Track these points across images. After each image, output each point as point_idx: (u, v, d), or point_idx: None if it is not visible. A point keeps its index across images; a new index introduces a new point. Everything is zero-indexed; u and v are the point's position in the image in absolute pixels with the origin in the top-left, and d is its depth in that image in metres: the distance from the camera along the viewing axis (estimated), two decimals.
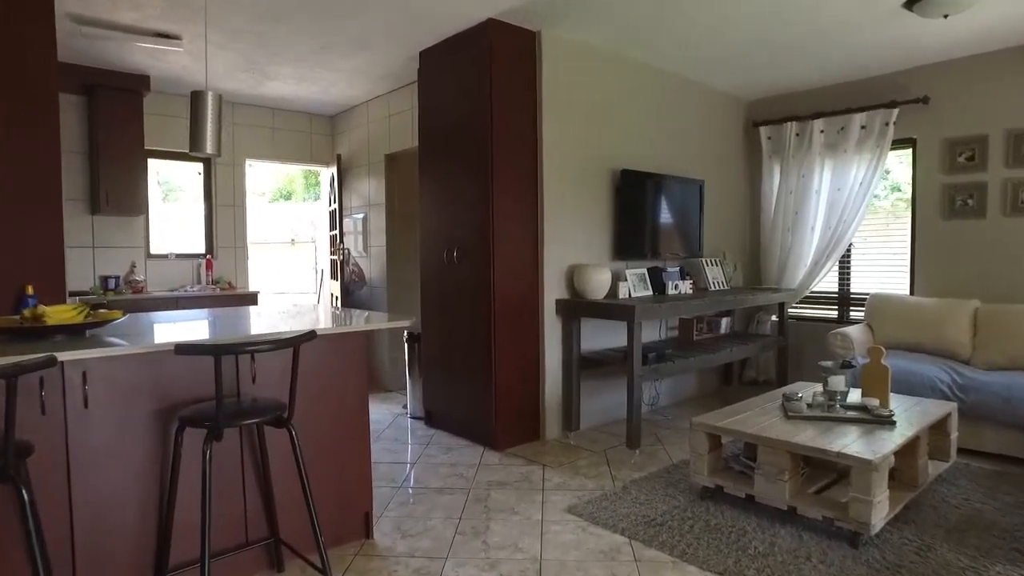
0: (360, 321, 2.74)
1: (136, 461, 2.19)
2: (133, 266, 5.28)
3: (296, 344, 2.13)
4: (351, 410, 2.74)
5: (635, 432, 3.85)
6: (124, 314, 2.48)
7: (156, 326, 2.66)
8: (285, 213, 11.60)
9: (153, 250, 5.59)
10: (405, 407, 5.03)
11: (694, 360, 4.25)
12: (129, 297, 4.93)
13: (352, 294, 5.98)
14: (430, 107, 4.42)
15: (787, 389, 3.61)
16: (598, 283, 4.14)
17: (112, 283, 5.16)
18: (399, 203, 5.71)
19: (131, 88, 4.98)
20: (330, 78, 5.13)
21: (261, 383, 2.47)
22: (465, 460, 3.83)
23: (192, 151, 3.09)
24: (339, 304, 6.08)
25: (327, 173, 6.51)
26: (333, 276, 6.31)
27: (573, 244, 4.30)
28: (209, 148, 3.08)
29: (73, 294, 4.80)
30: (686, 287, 4.71)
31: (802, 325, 5.39)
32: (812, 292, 5.33)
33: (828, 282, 5.32)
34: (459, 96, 4.13)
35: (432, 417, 4.58)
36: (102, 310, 2.41)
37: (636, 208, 4.57)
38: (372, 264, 5.91)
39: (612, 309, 3.93)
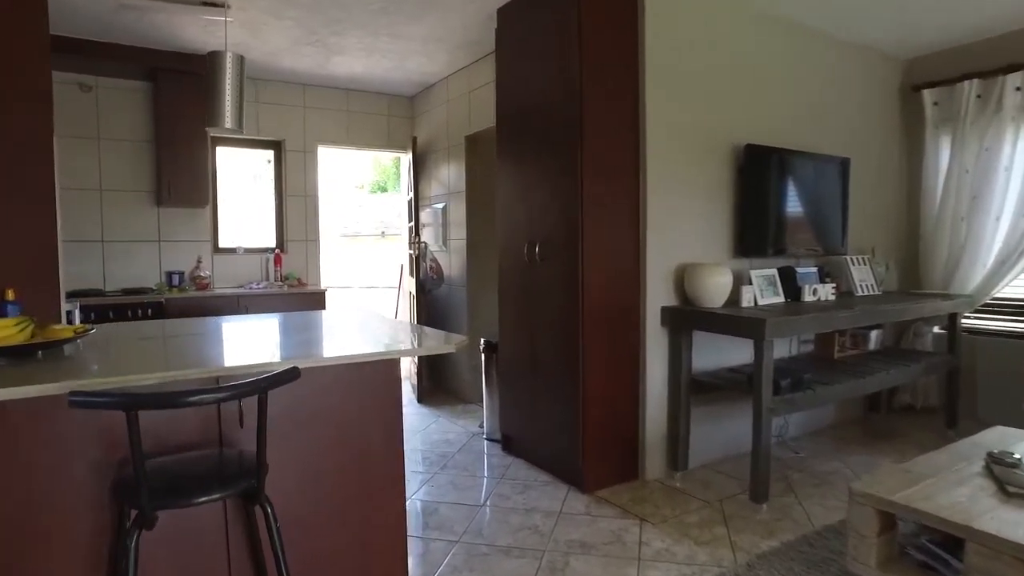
0: (378, 345, 2.08)
1: (69, 547, 1.64)
2: (199, 261, 4.95)
3: (262, 390, 1.49)
4: (378, 458, 2.10)
5: (761, 483, 2.99)
6: (88, 329, 1.94)
7: (126, 344, 2.12)
8: (380, 205, 11.33)
9: (221, 244, 5.26)
10: (481, 426, 4.38)
11: (840, 388, 3.30)
12: (192, 294, 4.59)
13: (429, 292, 5.41)
14: (508, 77, 3.71)
15: (987, 439, 2.62)
16: (716, 287, 3.29)
17: (176, 279, 4.85)
18: (481, 191, 5.06)
19: (192, 71, 4.60)
20: (401, 49, 4.53)
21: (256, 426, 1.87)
22: (544, 504, 3.12)
23: (209, 125, 2.55)
24: (414, 302, 5.53)
25: (406, 160, 5.96)
26: (411, 272, 5.77)
27: (683, 239, 3.46)
28: (228, 121, 2.53)
29: (137, 291, 4.51)
30: (827, 292, 3.74)
31: (977, 340, 4.24)
32: (993, 299, 4.18)
33: (1015, 287, 4.14)
34: (542, 63, 3.39)
35: (510, 443, 3.90)
36: (57, 326, 1.88)
37: (763, 193, 3.65)
38: (451, 259, 5.30)
39: (735, 322, 3.07)
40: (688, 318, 3.32)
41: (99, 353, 1.89)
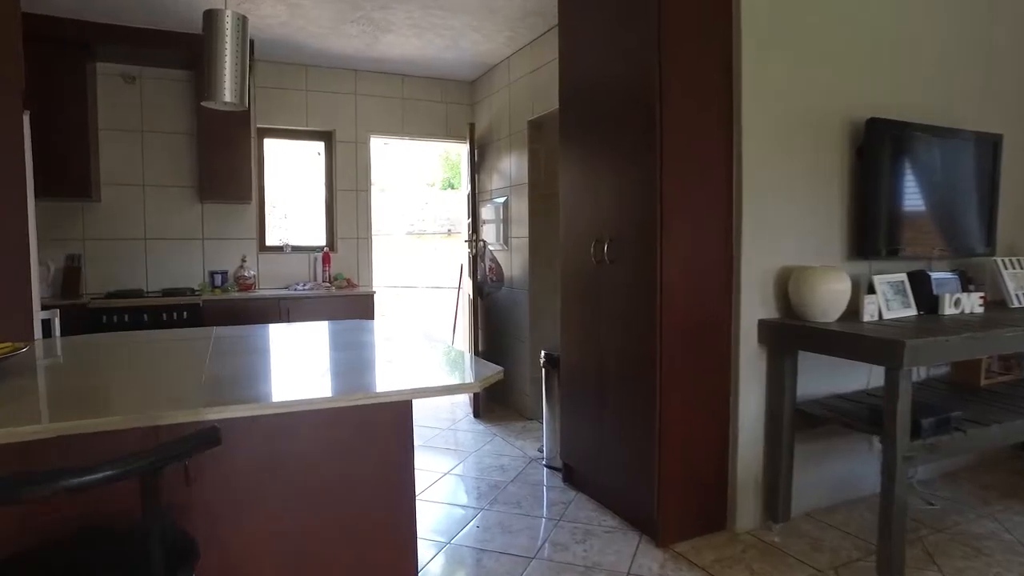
0: (359, 390, 1.57)
1: None
2: (243, 260, 4.66)
3: (145, 471, 1.00)
4: (381, 528, 1.60)
5: (894, 554, 2.30)
6: (18, 348, 1.53)
7: (66, 369, 1.71)
8: (447, 202, 11.00)
9: (268, 242, 4.96)
10: (541, 450, 3.85)
11: (1000, 430, 2.55)
12: (232, 296, 4.28)
13: (487, 296, 4.92)
14: (573, 51, 3.16)
15: None
16: (830, 296, 2.61)
17: (219, 279, 4.56)
18: (545, 183, 4.52)
19: None
20: (456, 24, 4.05)
21: (219, 482, 1.41)
22: (608, 560, 2.55)
23: (205, 100, 2.12)
24: (474, 306, 5.05)
25: (464, 151, 5.49)
26: (470, 273, 5.29)
27: (785, 236, 2.80)
28: (227, 94, 2.09)
29: (176, 291, 4.24)
30: (973, 303, 2.97)
31: None
32: None
33: None
34: (613, 31, 2.81)
35: (572, 474, 3.35)
36: None
37: (889, 178, 2.93)
38: (513, 259, 4.79)
39: (859, 343, 2.40)
40: (793, 335, 2.66)
41: (10, 384, 1.49)
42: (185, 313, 4.02)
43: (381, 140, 5.27)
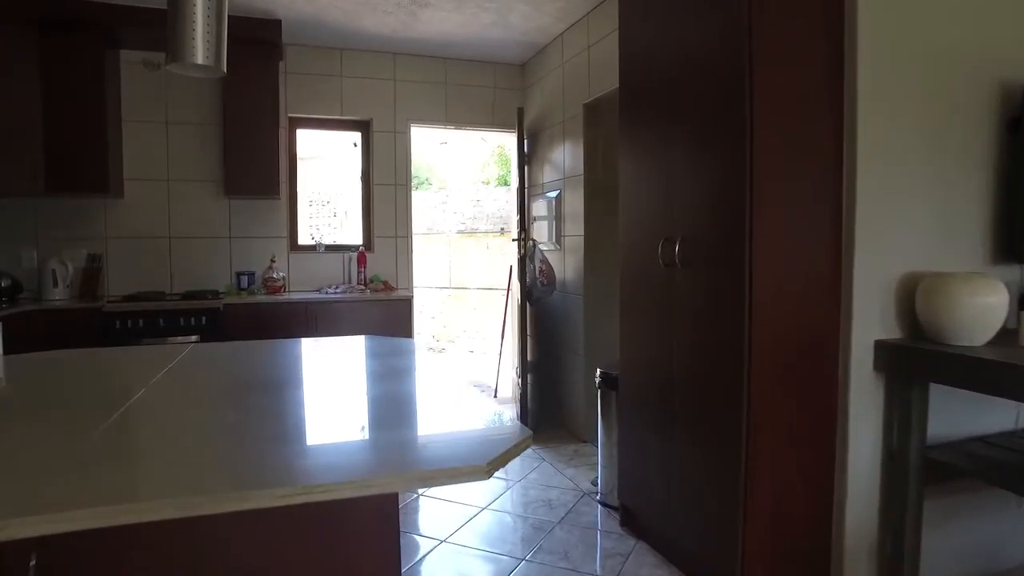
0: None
1: None
2: (272, 260, 4.30)
3: None
4: None
5: None
6: None
7: None
8: (500, 198, 10.56)
9: (300, 240, 4.59)
10: (595, 483, 3.31)
11: None
12: (258, 299, 3.91)
13: (537, 301, 4.41)
14: (635, 18, 2.62)
15: None
16: (977, 312, 1.98)
17: (245, 281, 4.22)
18: (603, 174, 3.98)
19: (260, 38, 3.93)
20: None
21: None
22: None
23: (170, 62, 1.68)
24: (524, 313, 4.55)
25: (513, 140, 4.99)
26: (520, 277, 4.80)
27: (911, 234, 2.17)
28: (200, 55, 1.65)
29: (197, 294, 3.90)
30: None
31: None
32: None
33: None
34: None
35: (631, 517, 2.80)
36: None
37: None
38: (566, 260, 4.26)
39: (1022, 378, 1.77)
40: (922, 362, 2.04)
41: None
42: (204, 318, 3.67)
43: (422, 129, 4.82)
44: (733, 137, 2.02)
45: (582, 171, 3.99)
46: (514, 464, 3.71)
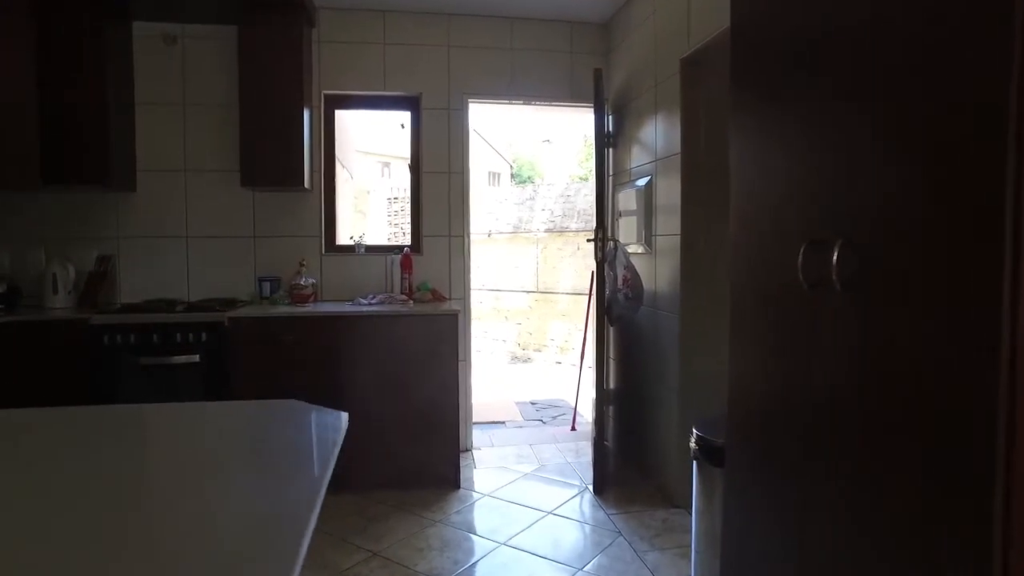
0: None
1: None
2: (302, 264, 3.62)
3: None
4: None
5: None
6: None
7: None
8: (588, 194, 9.58)
9: (340, 240, 3.90)
10: None
11: None
12: (277, 311, 3.23)
13: (618, 320, 3.46)
14: None
15: None
16: None
17: (268, 288, 3.57)
18: (707, 151, 2.99)
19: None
20: None
21: None
22: None
23: None
24: (600, 329, 3.62)
25: (588, 118, 4.07)
26: (597, 287, 3.87)
27: None
28: None
29: (214, 303, 3.28)
30: None
31: None
32: None
33: None
34: None
35: None
36: None
37: None
38: (658, 266, 3.30)
39: None
40: None
41: None
42: (204, 334, 3.03)
43: (482, 105, 4.00)
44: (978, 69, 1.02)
45: (678, 149, 3.01)
46: (576, 538, 2.83)
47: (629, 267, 3.35)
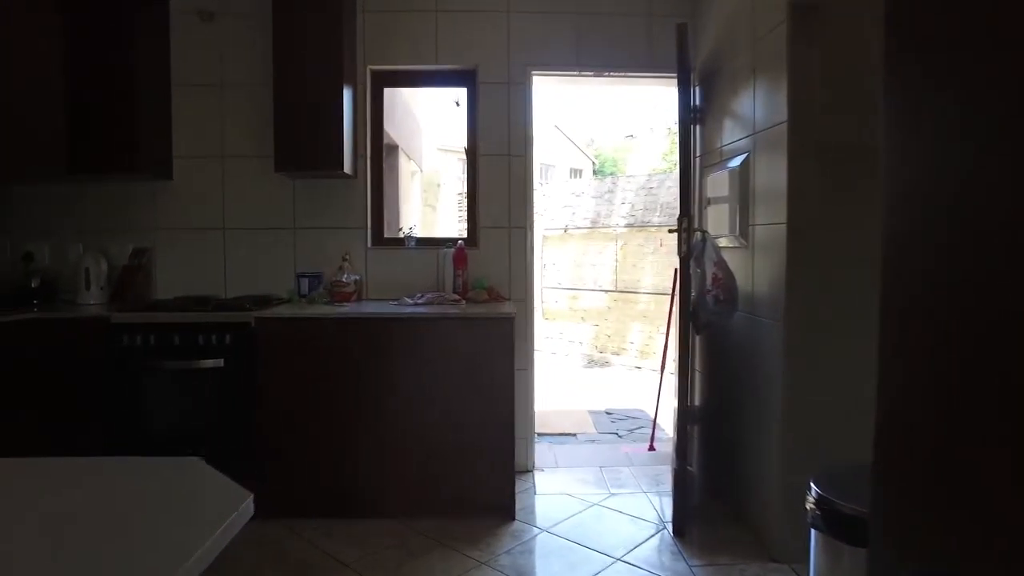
0: None
1: None
2: (345, 258, 3.27)
3: None
4: None
5: None
6: None
7: None
8: (672, 185, 8.88)
9: (388, 232, 3.53)
10: None
11: None
12: (306, 312, 2.87)
13: (706, 327, 2.88)
14: None
15: None
16: None
17: (306, 285, 3.23)
18: (829, 119, 2.37)
19: None
20: None
21: None
22: None
23: None
24: (683, 339, 3.06)
25: (670, 92, 3.49)
26: (679, 287, 3.30)
27: None
28: None
29: (257, 300, 2.98)
30: None
31: None
32: None
33: None
34: None
35: None
36: None
37: None
38: (756, 264, 2.71)
39: None
40: None
41: None
42: (228, 337, 2.71)
43: (547, 78, 3.50)
44: None
45: (785, 118, 2.41)
46: None
47: (720, 264, 2.76)
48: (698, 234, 2.84)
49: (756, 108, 2.70)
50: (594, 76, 3.49)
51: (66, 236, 3.30)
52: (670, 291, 4.14)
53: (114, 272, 3.22)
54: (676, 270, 3.93)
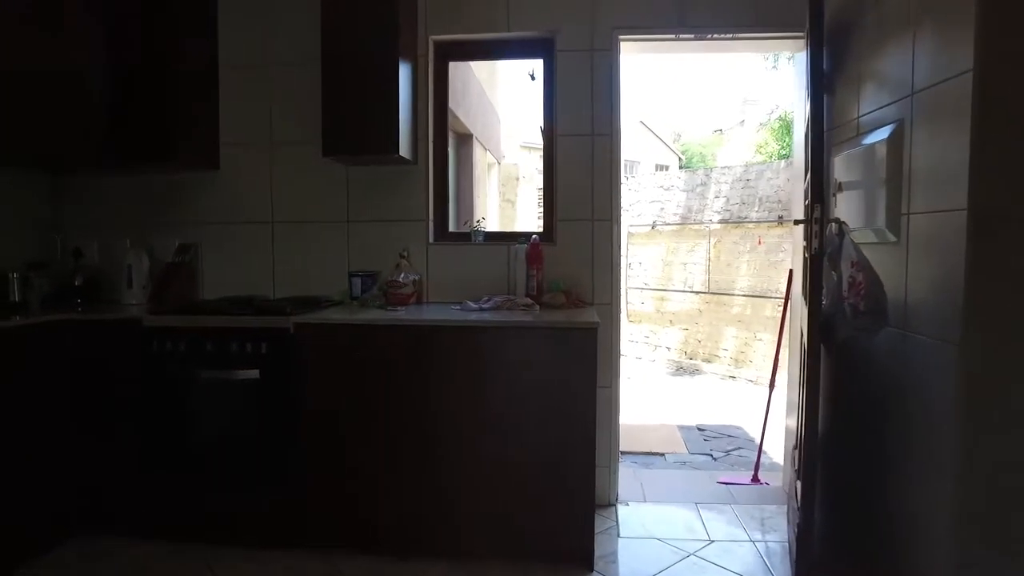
0: None
1: None
2: (403, 255, 2.88)
3: None
4: None
5: None
6: None
7: None
8: (776, 178, 8.03)
9: (453, 226, 3.12)
10: None
11: None
12: (354, 318, 2.48)
13: (844, 343, 2.27)
14: None
15: None
16: None
17: (359, 285, 2.86)
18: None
19: None
20: None
21: None
22: None
23: None
24: (811, 357, 2.46)
25: (794, 57, 2.89)
26: (804, 292, 2.71)
27: None
28: None
29: (302, 302, 2.65)
30: None
31: None
32: None
33: None
34: None
35: None
36: None
37: None
38: (910, 265, 2.08)
39: None
40: None
41: None
42: (264, 344, 2.37)
43: (638, 44, 2.96)
44: None
45: (969, 66, 1.78)
46: None
47: (860, 264, 2.16)
48: (833, 226, 2.24)
49: (916, 62, 2.07)
50: (695, 40, 2.93)
51: (114, 232, 3.09)
52: (783, 295, 3.52)
53: (158, 269, 2.97)
54: (791, 271, 3.32)
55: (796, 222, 2.48)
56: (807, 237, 2.23)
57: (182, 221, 3.07)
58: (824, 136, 2.44)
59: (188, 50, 2.79)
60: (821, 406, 2.69)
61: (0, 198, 2.84)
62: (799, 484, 2.32)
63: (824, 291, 2.19)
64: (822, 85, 2.29)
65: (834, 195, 2.65)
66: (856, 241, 2.26)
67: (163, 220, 3.07)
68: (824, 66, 2.67)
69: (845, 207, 2.52)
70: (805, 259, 2.63)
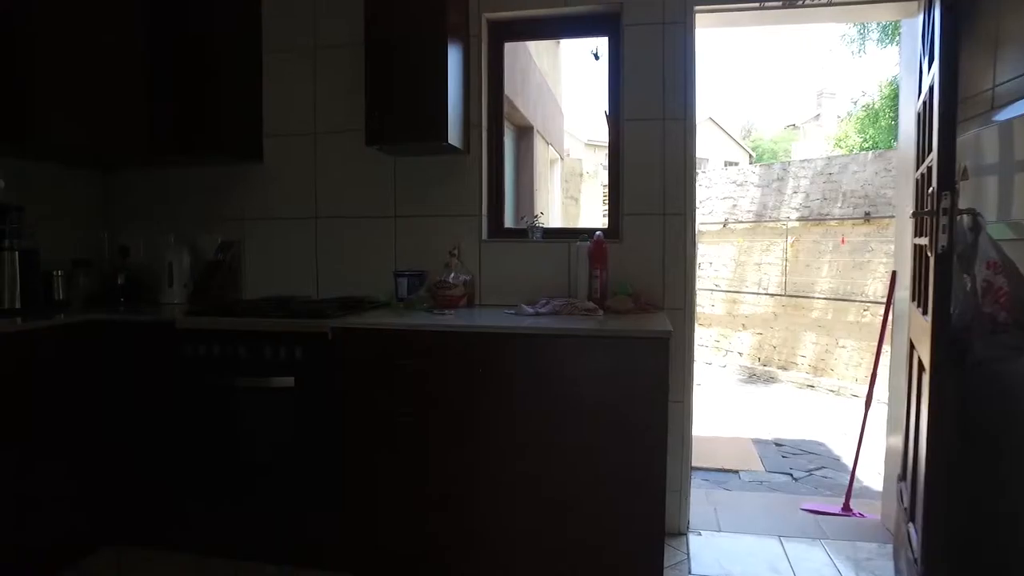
0: None
1: None
2: (453, 254, 2.64)
3: None
4: None
5: None
6: None
7: None
8: (862, 171, 7.40)
9: (508, 222, 2.85)
10: None
11: None
12: (407, 321, 2.26)
13: (979, 365, 1.87)
14: None
15: None
16: None
17: (406, 286, 2.63)
18: None
19: None
20: None
21: None
22: None
23: None
24: (936, 383, 2.07)
25: (906, 27, 2.48)
26: (915, 296, 2.31)
27: None
28: None
29: (345, 303, 2.45)
30: None
31: None
32: None
33: None
34: None
35: None
36: None
37: None
38: None
39: None
40: None
41: None
42: (299, 350, 2.17)
43: (716, 16, 2.61)
44: None
45: None
46: None
47: (1001, 265, 1.76)
48: (965, 219, 1.85)
49: None
50: (782, 8, 2.57)
51: (160, 229, 2.99)
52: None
53: (200, 267, 2.84)
54: (894, 273, 2.89)
55: (913, 214, 2.09)
56: (930, 232, 1.85)
57: (225, 217, 2.93)
58: (955, 101, 2.04)
59: (229, 32, 2.64)
60: (942, 438, 2.28)
61: (51, 194, 2.77)
62: (914, 531, 1.94)
63: (954, 300, 1.80)
64: (957, 43, 1.89)
65: (957, 182, 2.23)
66: (989, 231, 1.87)
67: (207, 215, 2.95)
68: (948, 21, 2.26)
69: (976, 199, 2.11)
70: (916, 258, 2.23)
